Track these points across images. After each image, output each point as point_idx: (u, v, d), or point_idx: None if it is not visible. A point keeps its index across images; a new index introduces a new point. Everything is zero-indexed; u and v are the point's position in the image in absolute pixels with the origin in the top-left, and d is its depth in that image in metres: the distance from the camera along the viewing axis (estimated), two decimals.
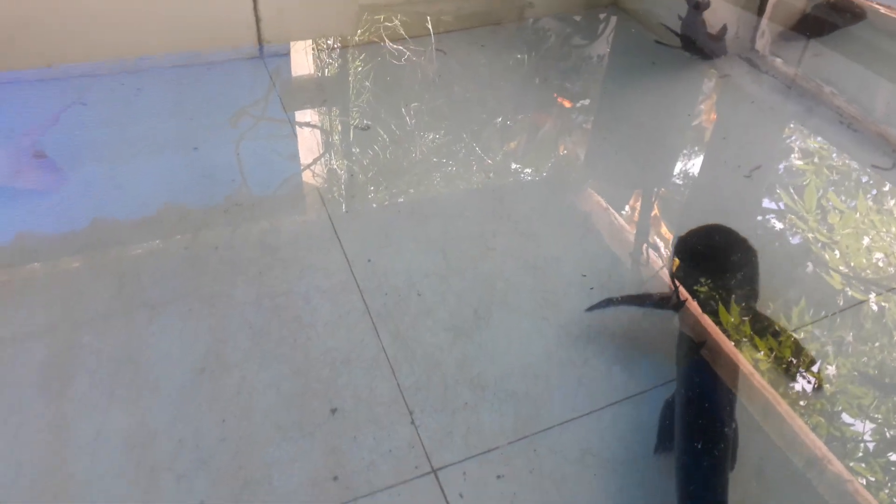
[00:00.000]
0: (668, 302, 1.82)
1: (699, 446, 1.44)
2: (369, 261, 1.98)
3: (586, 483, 1.49)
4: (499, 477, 1.49)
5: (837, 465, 1.53)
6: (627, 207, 2.29)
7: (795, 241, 2.14)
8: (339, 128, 2.57)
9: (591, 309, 1.83)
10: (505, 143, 2.54)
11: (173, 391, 1.61)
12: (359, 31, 3.07)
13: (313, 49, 3.02)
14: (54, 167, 2.25)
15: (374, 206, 2.20)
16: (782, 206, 2.27)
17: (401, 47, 3.05)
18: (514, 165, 2.43)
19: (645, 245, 2.14)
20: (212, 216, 2.09)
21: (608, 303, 1.84)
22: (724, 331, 1.72)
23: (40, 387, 1.59)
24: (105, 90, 2.60)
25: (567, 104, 2.79)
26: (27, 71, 2.55)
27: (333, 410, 1.60)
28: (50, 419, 1.54)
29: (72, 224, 2.03)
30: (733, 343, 1.71)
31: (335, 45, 3.03)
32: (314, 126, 2.57)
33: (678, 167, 2.53)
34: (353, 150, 2.44)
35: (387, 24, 3.13)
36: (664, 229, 2.20)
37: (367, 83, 2.81)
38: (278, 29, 2.88)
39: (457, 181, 2.32)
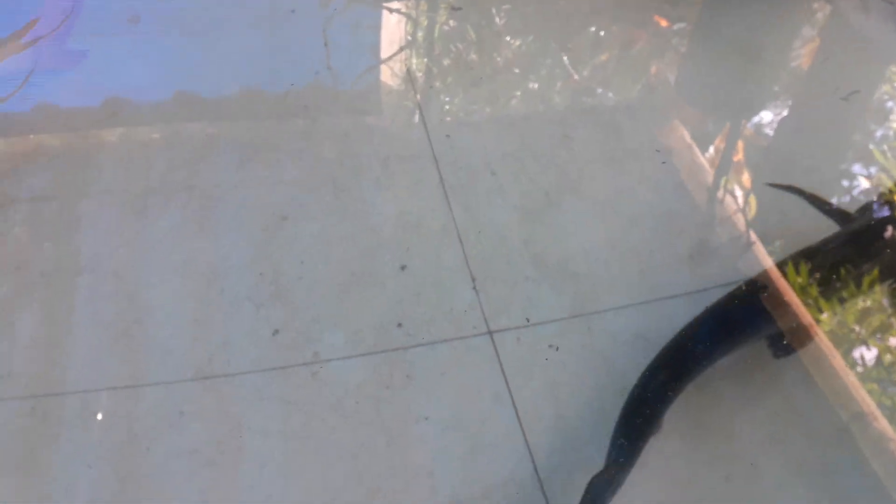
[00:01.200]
0: (838, 218, 1.76)
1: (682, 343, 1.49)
2: (448, 136, 2.02)
3: (635, 364, 1.55)
4: (551, 346, 1.57)
5: (883, 423, 1.53)
6: (718, 121, 2.24)
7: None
8: (432, 7, 2.55)
9: (772, 185, 1.86)
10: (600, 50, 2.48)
11: (257, 231, 1.72)
12: None
13: None
14: (150, 31, 2.30)
15: (459, 86, 2.21)
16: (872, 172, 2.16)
17: None
18: (605, 64, 2.39)
19: (734, 159, 2.10)
20: (302, 77, 2.15)
21: (791, 189, 1.84)
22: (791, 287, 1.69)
23: (137, 213, 1.73)
24: None
25: (664, 23, 2.67)
26: None
27: (403, 267, 1.69)
28: (143, 243, 1.68)
29: (170, 80, 2.13)
30: (799, 300, 1.68)
31: None
32: (408, 2, 2.56)
33: (774, 86, 2.43)
34: (444, 30, 2.43)
35: None
36: (754, 144, 2.15)
37: None
38: None
39: (544, 72, 2.31)
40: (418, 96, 2.15)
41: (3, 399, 1.39)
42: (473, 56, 2.35)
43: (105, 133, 1.92)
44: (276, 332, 1.54)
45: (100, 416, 1.38)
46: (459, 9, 2.50)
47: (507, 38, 2.47)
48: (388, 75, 2.25)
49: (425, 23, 2.51)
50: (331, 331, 1.56)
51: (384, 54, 2.33)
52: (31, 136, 1.88)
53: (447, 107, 2.14)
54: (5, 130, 1.89)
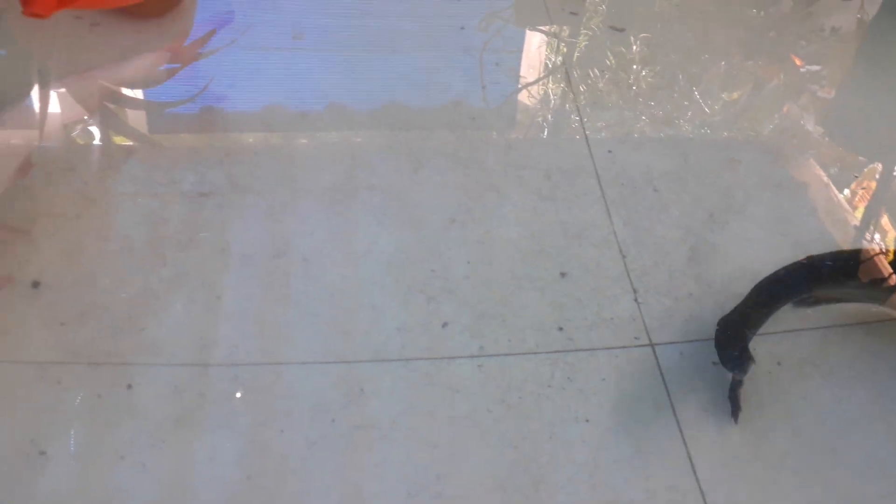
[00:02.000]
0: None
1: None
2: (610, 152, 2.07)
3: (801, 389, 1.53)
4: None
5: None
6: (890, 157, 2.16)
7: None
8: (596, 26, 2.62)
9: None
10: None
11: (429, 231, 1.84)
12: None
13: None
14: (324, 47, 2.46)
15: (621, 102, 2.26)
16: None
17: None
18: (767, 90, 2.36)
19: None
20: (471, 89, 2.28)
21: None
22: None
23: (325, 205, 1.90)
24: None
25: (798, 62, 2.58)
26: None
27: (563, 274, 1.75)
28: (329, 232, 1.84)
29: (350, 90, 2.28)
30: None
31: None
32: (573, 16, 2.62)
33: None
34: (608, 47, 2.49)
35: None
36: None
37: None
38: None
39: (706, 89, 2.31)
40: (579, 112, 2.21)
41: (210, 364, 1.57)
42: (632, 76, 2.39)
43: (297, 135, 2.12)
44: (445, 324, 1.65)
45: (290, 388, 1.53)
46: (622, 30, 2.55)
47: (666, 59, 2.48)
48: (548, 91, 2.34)
49: (581, 43, 2.58)
50: (494, 328, 1.65)
51: (542, 71, 2.41)
52: (233, 134, 2.11)
53: (608, 123, 2.19)
54: (211, 127, 2.13)
